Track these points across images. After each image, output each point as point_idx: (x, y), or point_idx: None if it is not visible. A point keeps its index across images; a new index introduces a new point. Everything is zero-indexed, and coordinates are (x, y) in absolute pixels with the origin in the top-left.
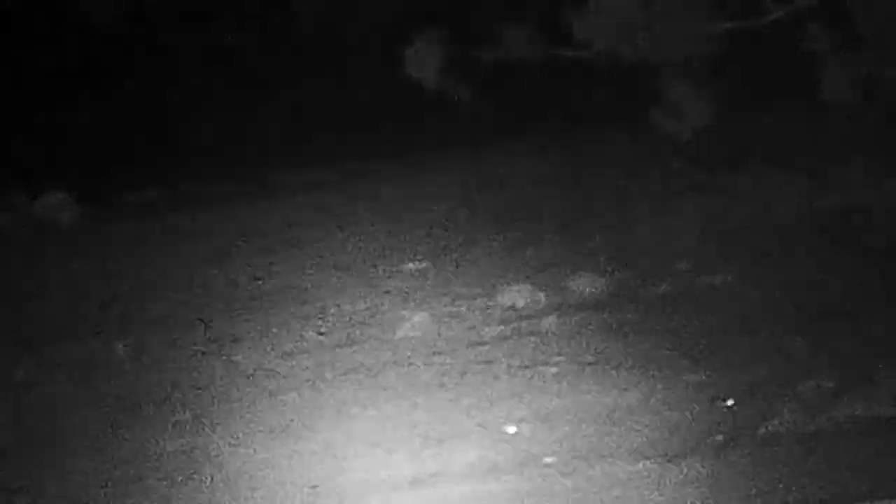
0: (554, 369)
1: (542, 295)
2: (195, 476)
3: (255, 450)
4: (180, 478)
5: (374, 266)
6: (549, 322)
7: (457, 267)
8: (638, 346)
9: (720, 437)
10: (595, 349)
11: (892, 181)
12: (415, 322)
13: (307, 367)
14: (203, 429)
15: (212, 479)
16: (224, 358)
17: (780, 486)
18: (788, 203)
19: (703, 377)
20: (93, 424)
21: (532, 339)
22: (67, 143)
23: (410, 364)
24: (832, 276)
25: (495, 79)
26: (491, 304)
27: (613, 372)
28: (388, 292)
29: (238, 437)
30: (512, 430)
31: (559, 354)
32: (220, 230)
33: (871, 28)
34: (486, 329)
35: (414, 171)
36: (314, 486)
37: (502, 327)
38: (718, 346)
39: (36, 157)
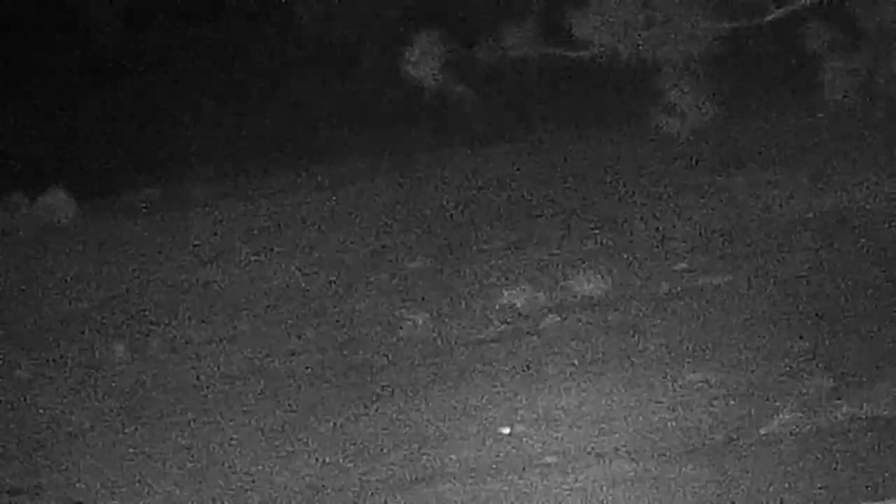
0: (554, 369)
1: (542, 295)
2: (195, 475)
3: (255, 450)
4: (181, 477)
5: (374, 266)
6: (549, 322)
7: (457, 267)
8: (638, 346)
9: (720, 437)
10: (595, 349)
11: (892, 181)
12: (415, 322)
13: (307, 367)
14: (203, 428)
15: (212, 478)
16: (224, 358)
17: (780, 486)
18: (788, 203)
19: (703, 377)
20: (93, 424)
21: (532, 339)
22: (67, 143)
23: (410, 364)
24: (832, 276)
25: (495, 79)
26: (491, 304)
27: (613, 372)
28: (388, 292)
29: (238, 437)
30: (511, 430)
31: (559, 354)
32: (219, 230)
33: (872, 27)
34: (486, 329)
35: (414, 170)
36: (314, 486)
37: (502, 327)
38: (718, 346)
39: (36, 157)
